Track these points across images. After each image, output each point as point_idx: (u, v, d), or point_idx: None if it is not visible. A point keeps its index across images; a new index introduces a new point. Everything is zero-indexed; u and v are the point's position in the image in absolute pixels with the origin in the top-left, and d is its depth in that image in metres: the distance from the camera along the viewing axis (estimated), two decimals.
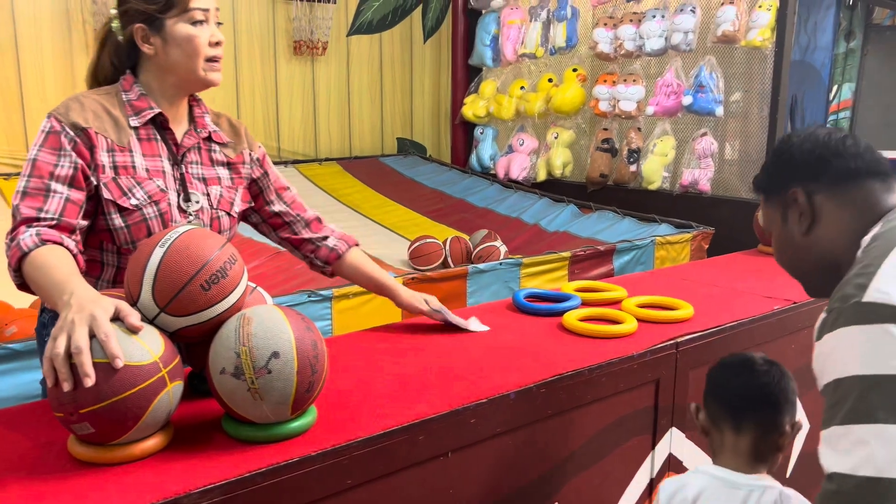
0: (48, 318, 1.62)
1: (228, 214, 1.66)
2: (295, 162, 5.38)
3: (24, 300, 2.70)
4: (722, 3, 4.32)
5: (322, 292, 2.74)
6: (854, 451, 0.93)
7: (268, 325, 1.24)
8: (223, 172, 1.67)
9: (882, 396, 0.92)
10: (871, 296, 0.98)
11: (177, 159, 1.59)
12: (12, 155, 4.31)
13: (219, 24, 1.59)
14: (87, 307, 1.16)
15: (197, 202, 1.60)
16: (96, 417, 1.13)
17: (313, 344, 1.26)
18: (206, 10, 1.54)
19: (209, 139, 1.65)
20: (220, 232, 1.64)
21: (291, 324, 1.26)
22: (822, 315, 1.05)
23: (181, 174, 1.59)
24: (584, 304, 2.01)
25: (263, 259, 3.35)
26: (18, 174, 4.21)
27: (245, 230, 3.80)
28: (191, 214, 1.59)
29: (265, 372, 1.20)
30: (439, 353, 1.67)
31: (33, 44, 4.33)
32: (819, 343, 1.04)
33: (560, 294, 2.06)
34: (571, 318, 1.82)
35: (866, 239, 1.12)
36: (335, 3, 5.35)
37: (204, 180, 1.63)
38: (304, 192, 4.97)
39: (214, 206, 1.63)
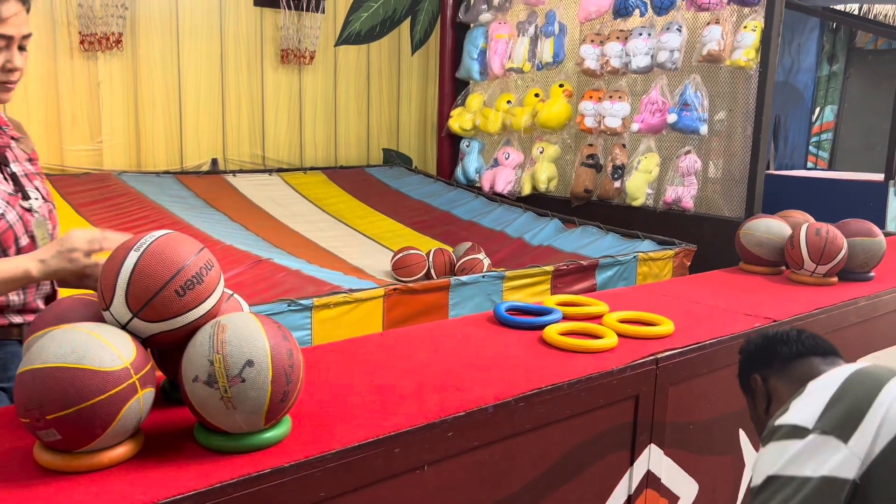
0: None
1: (53, 206, 1.68)
2: (280, 170, 5.35)
3: None
4: (707, 23, 4.36)
5: (302, 302, 2.72)
6: None
7: (242, 332, 1.22)
8: (31, 167, 1.67)
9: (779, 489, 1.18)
10: (780, 419, 1.26)
11: (2, 160, 1.59)
12: None
13: (22, 48, 1.55)
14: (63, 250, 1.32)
15: (35, 198, 1.61)
16: (63, 424, 1.10)
17: (289, 353, 1.24)
18: (8, 38, 1.49)
19: (12, 138, 1.66)
20: (54, 225, 1.66)
21: (267, 332, 1.23)
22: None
23: (12, 174, 1.59)
24: (566, 318, 2.00)
25: (244, 267, 3.32)
26: None
27: (226, 237, 3.79)
28: (35, 212, 1.59)
29: (239, 380, 1.18)
30: (417, 365, 1.65)
31: None
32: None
33: (541, 308, 2.05)
34: (552, 332, 1.81)
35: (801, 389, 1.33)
36: (324, 12, 5.35)
37: (26, 176, 1.64)
38: (289, 201, 4.95)
39: (47, 199, 1.64)
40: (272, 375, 1.20)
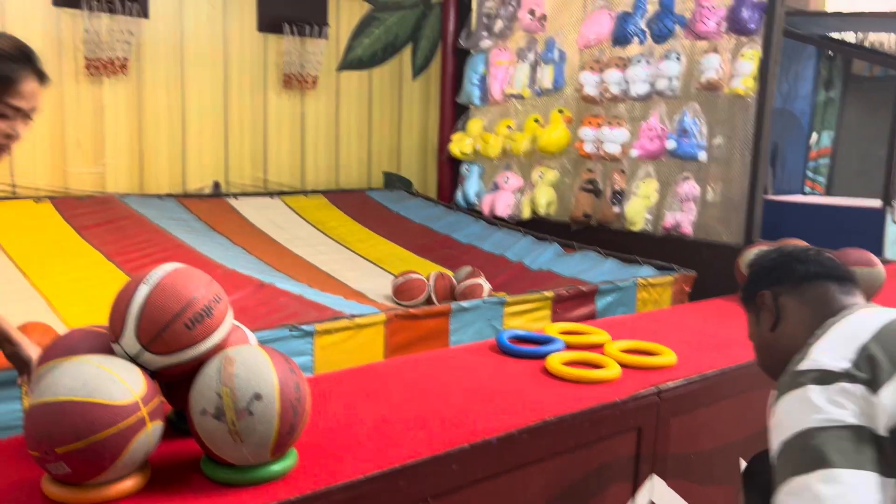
0: None
1: None
2: (281, 193, 5.38)
3: None
4: (706, 52, 4.41)
5: (304, 327, 2.72)
6: (802, 494, 1.09)
7: (250, 365, 1.23)
8: None
9: (821, 441, 1.10)
10: (803, 365, 1.20)
11: None
12: None
13: (28, 118, 1.54)
14: None
15: None
16: (73, 457, 1.11)
17: (296, 386, 1.25)
18: (20, 110, 1.50)
19: None
20: None
21: (275, 365, 1.25)
22: (772, 392, 1.24)
23: None
24: (568, 346, 2.01)
25: (245, 292, 3.33)
26: (4, 198, 4.17)
27: (228, 261, 3.80)
28: None
29: (247, 414, 1.19)
30: (422, 396, 1.66)
31: None
32: (771, 417, 1.22)
33: (543, 336, 2.07)
34: (555, 362, 1.82)
35: (819, 332, 1.29)
36: (327, 38, 5.41)
37: None
38: (291, 224, 4.97)
39: None
40: (280, 409, 1.21)
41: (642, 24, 4.71)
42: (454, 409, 1.58)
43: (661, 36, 4.60)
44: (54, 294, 3.24)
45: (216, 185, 5.14)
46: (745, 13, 4.22)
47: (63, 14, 4.41)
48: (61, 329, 2.82)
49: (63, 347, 1.31)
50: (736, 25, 4.26)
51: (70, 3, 4.39)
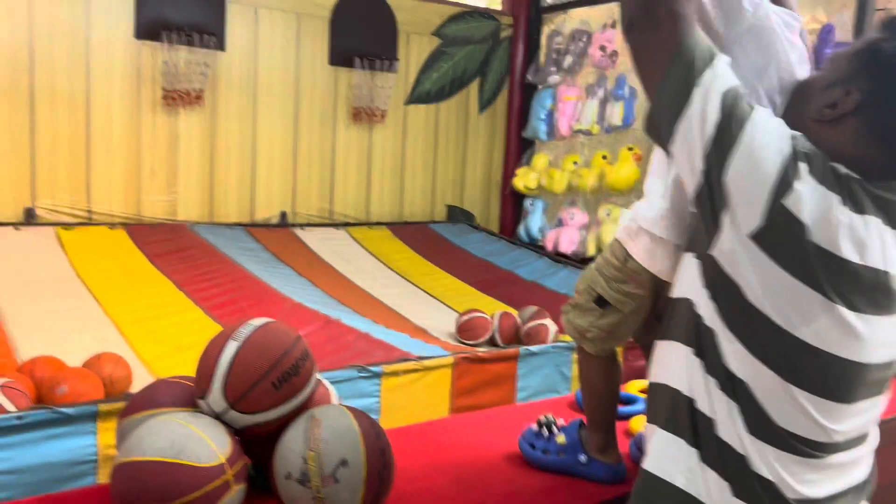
0: None
1: None
2: (346, 224, 5.41)
3: (76, 358, 2.71)
4: None
5: (372, 368, 2.70)
6: None
7: (337, 428, 1.20)
8: None
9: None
10: None
11: None
12: (74, 205, 4.40)
13: None
14: None
15: None
16: None
17: (382, 452, 1.21)
18: None
19: None
20: None
21: (361, 429, 1.21)
22: None
23: None
24: None
25: (313, 327, 3.32)
26: (80, 224, 4.30)
27: (295, 294, 3.81)
28: None
29: (332, 481, 1.15)
30: (496, 457, 1.60)
31: (104, 99, 4.46)
32: None
33: (624, 395, 1.98)
34: (639, 425, 1.74)
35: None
36: (396, 72, 5.45)
37: None
38: (355, 256, 4.98)
39: None
40: (366, 476, 1.17)
41: None
42: (533, 474, 1.51)
43: None
44: (125, 322, 3.29)
45: (283, 215, 5.20)
46: (829, 53, 4.09)
47: (144, 47, 4.55)
48: (132, 360, 2.85)
49: (149, 398, 1.30)
50: (817, 66, 4.14)
51: (151, 36, 4.52)
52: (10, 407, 2.14)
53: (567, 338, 3.67)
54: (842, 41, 4.06)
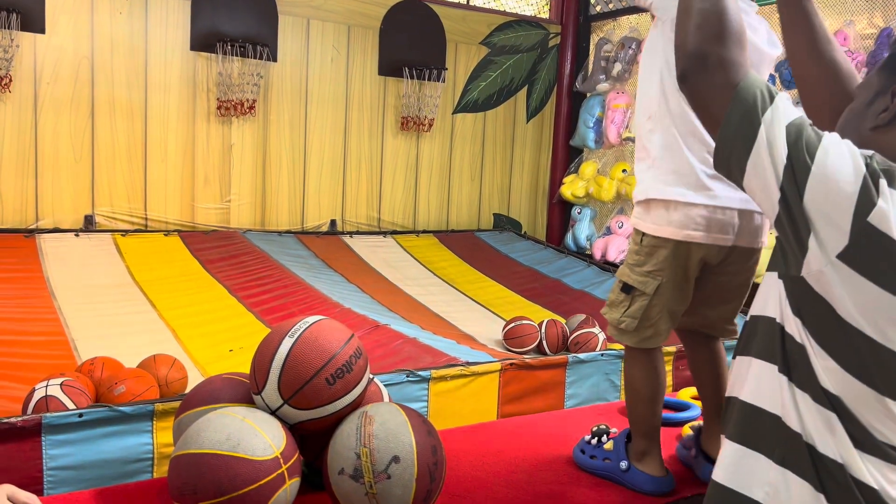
0: None
1: None
2: (393, 232, 5.45)
3: (133, 359, 2.77)
4: None
5: (420, 373, 2.70)
6: None
7: (390, 426, 1.20)
8: None
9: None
10: None
11: None
12: (132, 212, 4.53)
13: None
14: None
15: None
16: None
17: (433, 450, 1.21)
18: None
19: None
20: None
21: (413, 427, 1.22)
22: None
23: None
24: None
25: (362, 332, 3.35)
26: (137, 231, 4.42)
27: (345, 300, 3.85)
28: None
29: (385, 477, 1.16)
30: (547, 461, 1.59)
31: (160, 110, 4.60)
32: None
33: (677, 402, 1.96)
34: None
35: None
36: (444, 81, 5.49)
37: None
38: (402, 264, 5.01)
39: None
40: (417, 473, 1.17)
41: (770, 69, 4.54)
42: (585, 478, 1.49)
43: (789, 80, 4.40)
44: (180, 326, 3.37)
45: (333, 223, 5.27)
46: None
47: (199, 58, 4.67)
48: (186, 363, 2.91)
49: (206, 394, 1.32)
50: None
51: (206, 48, 4.64)
52: (70, 405, 2.20)
53: (617, 346, 3.63)
54: None
